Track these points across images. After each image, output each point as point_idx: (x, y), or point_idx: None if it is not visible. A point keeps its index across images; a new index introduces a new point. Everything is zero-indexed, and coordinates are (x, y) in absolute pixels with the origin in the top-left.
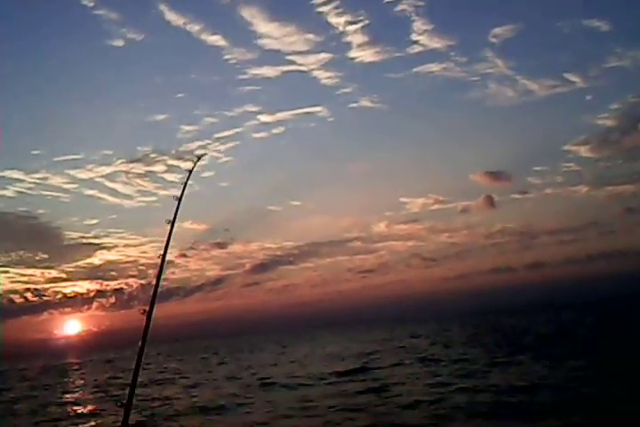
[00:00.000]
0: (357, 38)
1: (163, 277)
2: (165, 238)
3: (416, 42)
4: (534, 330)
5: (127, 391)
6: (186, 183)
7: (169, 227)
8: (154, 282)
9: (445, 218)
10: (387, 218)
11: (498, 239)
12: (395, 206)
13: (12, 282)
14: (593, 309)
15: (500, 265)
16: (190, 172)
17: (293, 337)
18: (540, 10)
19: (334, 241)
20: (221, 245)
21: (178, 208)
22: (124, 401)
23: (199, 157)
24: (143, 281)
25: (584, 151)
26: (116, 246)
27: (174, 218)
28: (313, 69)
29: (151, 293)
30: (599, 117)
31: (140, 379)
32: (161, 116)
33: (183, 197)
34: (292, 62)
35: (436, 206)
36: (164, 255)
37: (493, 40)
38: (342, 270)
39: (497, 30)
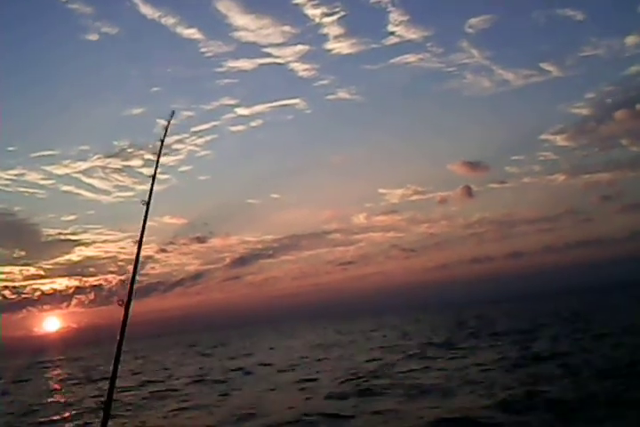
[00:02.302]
0: (334, 30)
1: (142, 271)
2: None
3: (392, 33)
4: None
5: (107, 389)
6: (158, 159)
7: (144, 208)
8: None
9: (424, 208)
10: (366, 209)
11: (477, 229)
12: (374, 198)
13: None
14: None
15: (479, 255)
16: (162, 142)
17: (272, 330)
18: (515, 0)
19: (314, 233)
20: (201, 240)
21: (152, 188)
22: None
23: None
24: (122, 277)
25: (560, 140)
26: (94, 242)
27: (149, 198)
28: (290, 62)
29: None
30: (575, 106)
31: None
32: (137, 110)
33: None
34: (269, 55)
35: (414, 197)
36: (140, 239)
37: (469, 30)
38: (322, 263)
39: (473, 21)
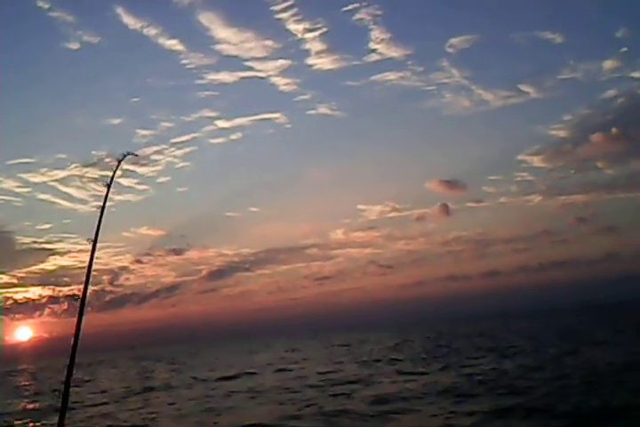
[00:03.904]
0: (316, 46)
1: (116, 282)
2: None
3: (374, 50)
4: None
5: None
6: (112, 179)
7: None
8: (108, 288)
9: (402, 225)
10: (344, 225)
11: (453, 247)
12: (352, 214)
13: None
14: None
15: (455, 272)
16: (118, 163)
17: (239, 344)
18: (496, 21)
19: (291, 248)
20: (177, 252)
21: (106, 197)
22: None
23: (125, 155)
24: (97, 287)
25: (537, 161)
26: (69, 252)
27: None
28: (271, 76)
29: (106, 298)
30: (552, 128)
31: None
32: (116, 120)
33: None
34: (251, 68)
35: (392, 214)
36: (95, 237)
37: (450, 50)
38: (299, 277)
39: (453, 40)
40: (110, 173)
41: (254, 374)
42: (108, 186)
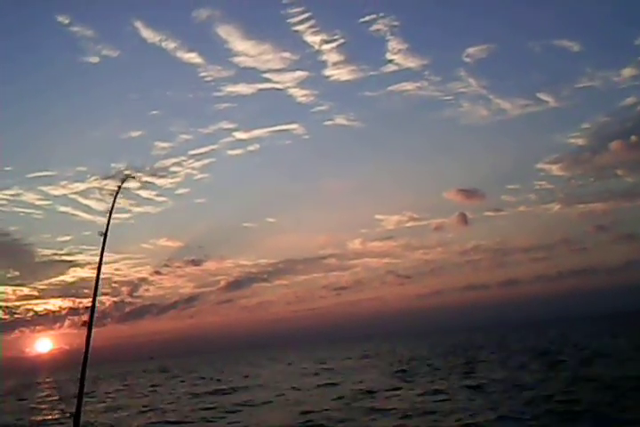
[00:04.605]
0: (333, 57)
1: (136, 294)
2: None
3: (391, 61)
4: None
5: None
6: (114, 200)
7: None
8: (127, 299)
9: (420, 235)
10: (362, 235)
11: (472, 256)
12: (370, 223)
13: None
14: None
15: (474, 282)
16: (112, 204)
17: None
18: (513, 30)
19: (309, 258)
20: (196, 263)
21: (109, 221)
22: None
23: (126, 177)
24: (116, 298)
25: (556, 170)
26: (89, 263)
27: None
28: (289, 87)
29: (126, 309)
30: (571, 136)
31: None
32: (136, 133)
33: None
34: (268, 80)
35: (410, 224)
36: (99, 266)
37: (467, 60)
38: (317, 287)
39: (470, 50)
40: (128, 185)
41: None
42: (110, 211)
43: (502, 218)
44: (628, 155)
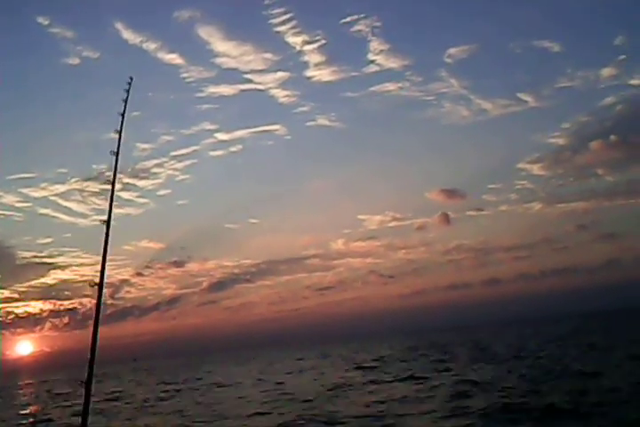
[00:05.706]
0: (314, 58)
1: (117, 295)
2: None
3: (372, 61)
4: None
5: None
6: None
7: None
8: (109, 301)
9: (402, 235)
10: (344, 235)
11: (454, 256)
12: (352, 224)
13: None
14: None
15: (456, 281)
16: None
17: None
18: (494, 31)
19: (292, 259)
20: (178, 264)
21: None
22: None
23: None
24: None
25: (537, 169)
26: (70, 266)
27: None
28: (270, 88)
29: (107, 311)
30: (551, 136)
31: None
32: (117, 134)
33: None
34: (250, 81)
35: (393, 223)
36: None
37: (448, 60)
38: (300, 288)
39: (452, 50)
40: (110, 187)
41: None
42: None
43: (484, 217)
44: (607, 154)
